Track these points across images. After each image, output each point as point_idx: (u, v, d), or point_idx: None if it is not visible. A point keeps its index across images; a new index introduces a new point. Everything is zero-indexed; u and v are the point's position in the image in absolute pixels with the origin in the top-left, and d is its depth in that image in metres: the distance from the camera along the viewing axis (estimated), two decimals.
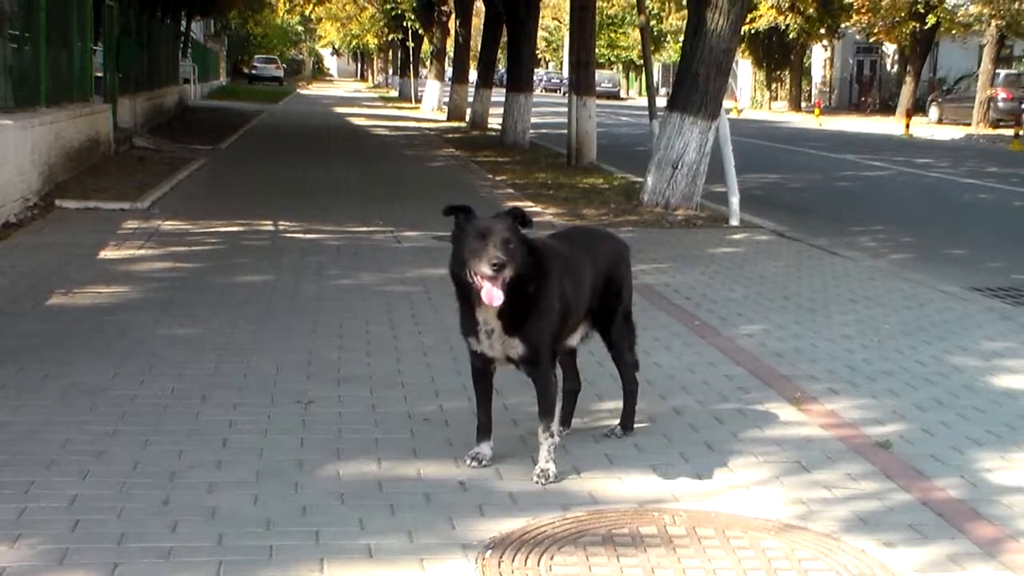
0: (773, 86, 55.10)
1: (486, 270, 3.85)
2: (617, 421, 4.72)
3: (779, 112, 49.99)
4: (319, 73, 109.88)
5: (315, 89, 69.84)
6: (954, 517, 3.92)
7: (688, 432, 4.77)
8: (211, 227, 10.31)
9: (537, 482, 4.11)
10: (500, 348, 4.10)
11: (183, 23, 34.28)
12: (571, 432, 4.63)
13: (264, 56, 70.73)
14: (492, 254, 3.83)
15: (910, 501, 4.06)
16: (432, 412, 4.94)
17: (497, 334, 4.07)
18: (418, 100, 41.85)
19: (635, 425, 4.71)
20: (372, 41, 64.62)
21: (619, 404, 4.75)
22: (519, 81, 21.85)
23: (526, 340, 4.08)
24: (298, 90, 63.24)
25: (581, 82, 17.62)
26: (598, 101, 19.05)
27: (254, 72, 67.12)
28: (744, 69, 56.75)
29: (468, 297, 4.03)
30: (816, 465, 4.40)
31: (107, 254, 8.78)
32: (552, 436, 4.19)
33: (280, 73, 68.93)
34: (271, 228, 10.45)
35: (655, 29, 55.05)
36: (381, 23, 53.82)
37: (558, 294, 4.15)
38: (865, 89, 51.69)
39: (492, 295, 3.87)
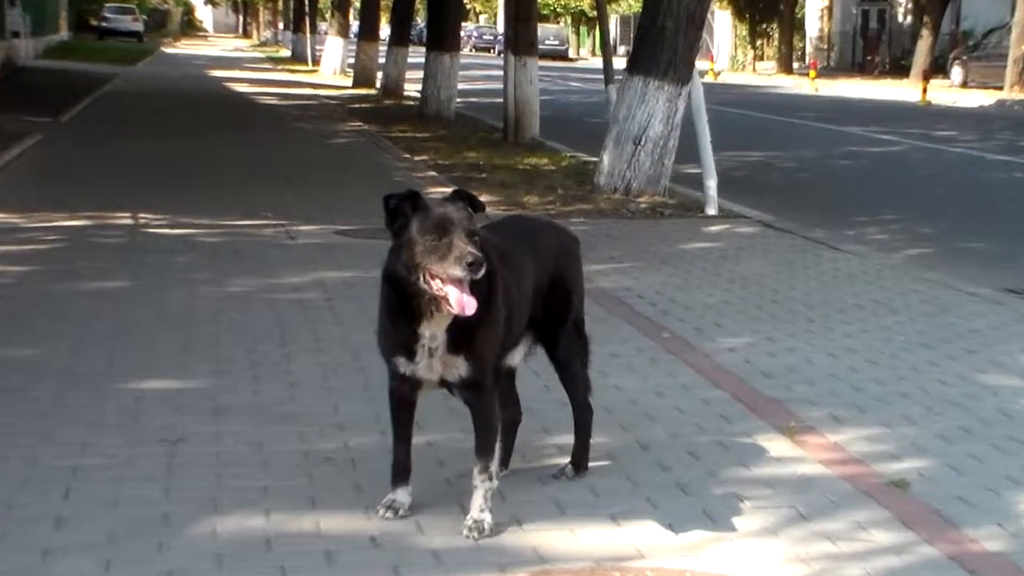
0: (758, 43, 55.81)
1: (457, 271, 3.78)
2: (568, 459, 4.72)
3: (765, 75, 50.63)
4: (190, 27, 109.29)
5: (184, 47, 69.51)
6: (991, 575, 3.96)
7: (656, 472, 4.78)
8: (50, 221, 10.20)
9: (468, 536, 4.10)
10: (439, 369, 4.08)
11: None
12: (510, 473, 4.62)
13: (117, 5, 70.23)
14: (465, 251, 3.76)
15: (935, 556, 4.09)
16: (335, 450, 4.91)
17: (440, 352, 4.04)
18: (316, 62, 41.80)
19: (590, 463, 4.72)
20: None
21: (570, 438, 4.75)
22: (443, 38, 21.90)
23: (472, 358, 4.05)
24: (163, 48, 62.92)
25: (520, 39, 17.72)
26: (541, 62, 19.17)
27: (105, 25, 66.83)
28: (722, 22, 57.39)
29: (410, 307, 3.95)
30: (817, 512, 4.43)
31: None
32: (490, 479, 4.18)
33: (139, 27, 68.79)
34: (128, 222, 10.35)
35: None
36: None
37: (503, 300, 4.14)
38: (872, 46, 52.53)
39: (464, 302, 3.81)
